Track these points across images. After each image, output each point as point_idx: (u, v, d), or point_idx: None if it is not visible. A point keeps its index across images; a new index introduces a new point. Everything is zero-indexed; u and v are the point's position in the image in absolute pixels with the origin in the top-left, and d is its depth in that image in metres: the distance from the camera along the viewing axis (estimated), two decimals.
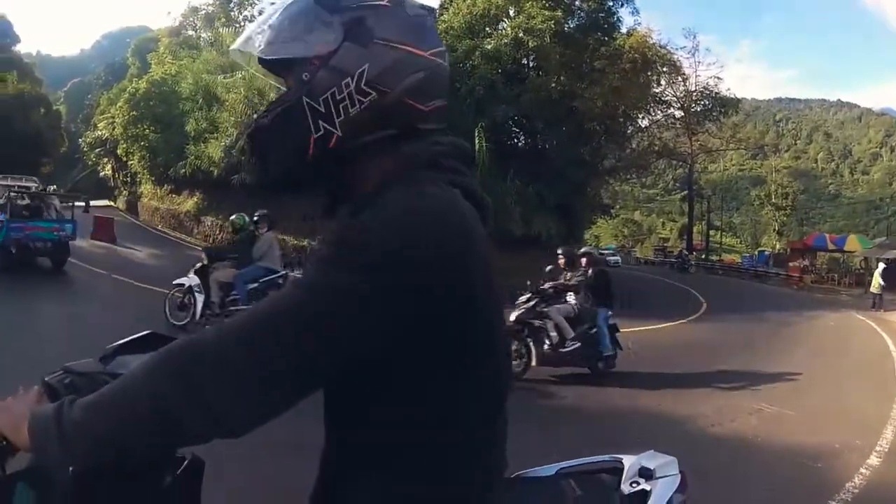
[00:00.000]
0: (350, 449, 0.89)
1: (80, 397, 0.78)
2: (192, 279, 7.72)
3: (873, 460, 4.58)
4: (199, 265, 7.90)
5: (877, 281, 20.24)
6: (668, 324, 13.63)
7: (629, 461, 1.21)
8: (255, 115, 0.95)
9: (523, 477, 1.27)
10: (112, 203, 49.42)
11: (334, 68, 0.82)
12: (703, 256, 45.31)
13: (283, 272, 7.77)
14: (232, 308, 7.40)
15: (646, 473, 1.16)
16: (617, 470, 1.20)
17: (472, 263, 0.80)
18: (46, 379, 0.96)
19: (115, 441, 0.74)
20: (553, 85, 19.54)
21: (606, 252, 47.94)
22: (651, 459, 1.21)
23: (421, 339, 0.78)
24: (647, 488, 1.12)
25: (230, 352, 0.72)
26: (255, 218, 8.16)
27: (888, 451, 4.80)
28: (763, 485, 4.06)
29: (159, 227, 30.47)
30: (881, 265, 22.10)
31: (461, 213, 0.80)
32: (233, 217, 8.56)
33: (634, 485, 1.14)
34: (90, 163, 56.28)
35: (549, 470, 1.28)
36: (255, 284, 7.45)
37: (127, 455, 0.76)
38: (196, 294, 7.61)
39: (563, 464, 1.29)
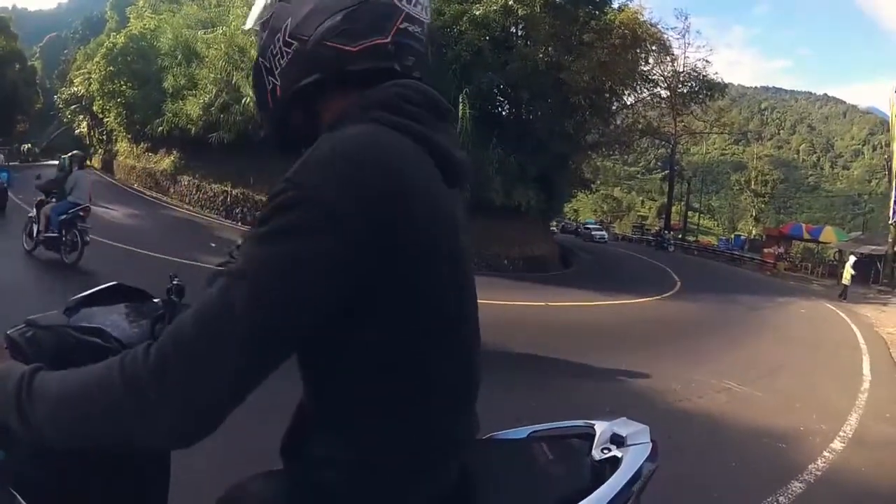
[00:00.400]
0: (322, 401, 0.88)
1: (42, 368, 0.77)
2: (33, 212, 8.92)
3: (837, 445, 4.66)
4: (39, 199, 9.00)
5: (848, 272, 20.97)
6: (642, 299, 13.79)
7: (601, 427, 1.20)
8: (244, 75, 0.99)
9: (494, 438, 1.26)
10: (88, 162, 48.15)
11: (272, 28, 0.90)
12: (680, 236, 45.81)
13: (84, 204, 8.78)
14: (46, 235, 8.44)
15: (617, 440, 1.15)
16: (588, 436, 1.19)
17: (409, 212, 0.76)
18: (9, 332, 0.94)
19: (70, 437, 0.74)
20: (540, 55, 19.26)
21: (592, 227, 48.18)
22: (623, 426, 1.20)
23: (367, 295, 0.75)
24: (619, 455, 1.11)
25: (180, 366, 0.69)
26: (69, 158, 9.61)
27: (852, 438, 4.88)
28: (728, 460, 4.11)
29: (135, 187, 29.87)
30: (852, 257, 23.03)
31: (393, 156, 0.77)
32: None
33: (605, 451, 1.13)
34: (65, 120, 54.90)
35: (520, 433, 1.27)
36: (66, 216, 8.44)
37: (82, 447, 0.76)
38: (33, 224, 8.85)
39: (535, 427, 1.29)
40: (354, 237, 0.71)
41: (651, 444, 1.16)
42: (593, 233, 44.56)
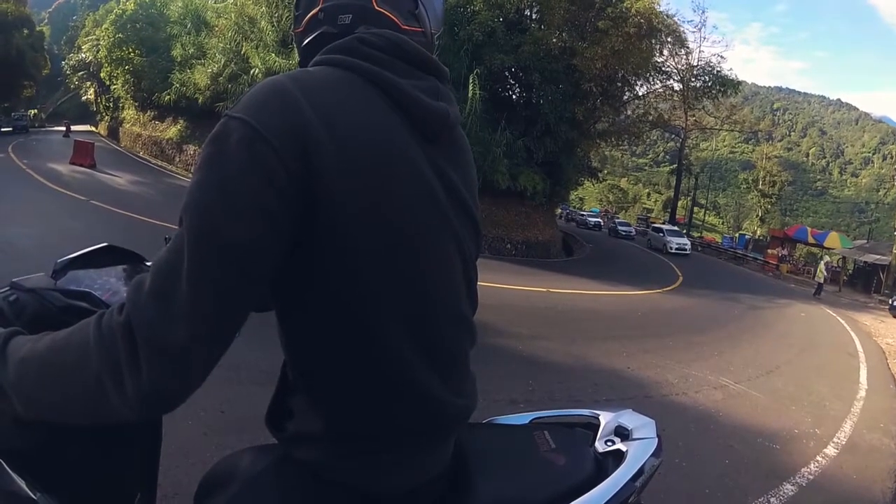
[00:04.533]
0: (296, 370, 0.87)
1: (21, 332, 0.76)
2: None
3: (830, 450, 4.63)
4: None
5: (821, 272, 21.99)
6: (643, 291, 13.83)
7: (606, 418, 1.17)
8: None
9: (495, 422, 1.24)
10: (94, 128, 48.35)
11: None
12: (685, 231, 45.53)
13: None
14: None
15: (622, 433, 1.13)
16: (592, 426, 1.17)
17: (322, 144, 0.73)
18: None
19: (46, 409, 0.72)
20: (554, 40, 19.06)
21: (668, 229, 33.81)
22: (629, 419, 1.17)
23: (299, 237, 0.74)
24: (623, 449, 1.07)
25: (153, 317, 0.66)
26: None
27: (845, 444, 4.84)
28: (721, 457, 4.08)
29: (140, 154, 29.95)
30: (826, 258, 24.62)
31: (329, 95, 0.77)
32: None
33: (609, 443, 1.10)
34: (73, 86, 55.10)
35: (523, 418, 1.25)
36: None
37: (60, 421, 0.73)
38: None
39: (538, 413, 1.27)
40: (269, 165, 0.69)
41: (657, 440, 1.12)
42: (668, 238, 30.48)
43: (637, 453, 1.06)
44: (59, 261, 1.01)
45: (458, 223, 0.89)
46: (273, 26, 19.73)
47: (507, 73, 19.89)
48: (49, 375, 0.69)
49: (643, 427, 1.14)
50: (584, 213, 55.10)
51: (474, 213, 0.95)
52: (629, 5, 19.90)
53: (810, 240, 37.68)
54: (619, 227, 41.48)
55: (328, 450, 0.84)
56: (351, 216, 0.74)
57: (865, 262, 31.12)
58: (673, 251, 29.07)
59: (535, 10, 20.34)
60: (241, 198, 0.68)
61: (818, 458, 4.40)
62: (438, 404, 0.86)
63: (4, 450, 0.81)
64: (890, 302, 20.55)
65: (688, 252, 29.78)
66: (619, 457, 1.05)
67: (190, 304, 0.65)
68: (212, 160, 0.69)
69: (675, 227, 37.41)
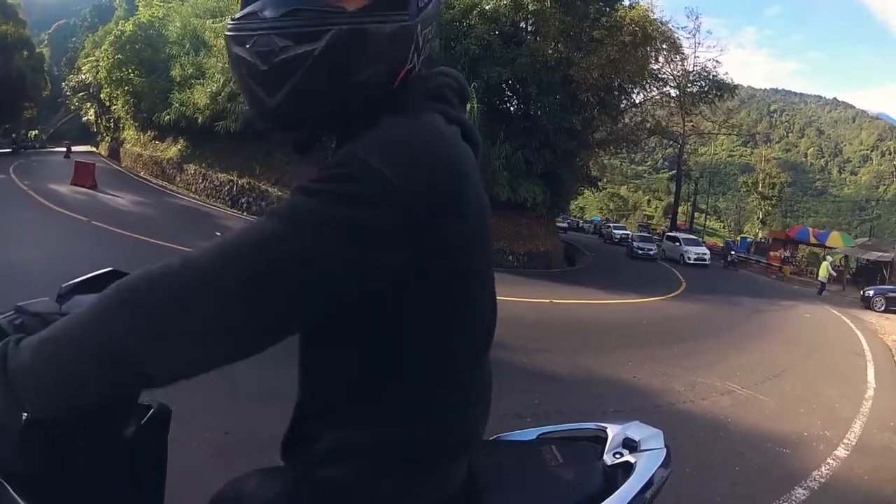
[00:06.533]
0: (324, 396, 0.86)
1: (27, 335, 0.72)
2: None
3: (841, 452, 4.63)
4: None
5: (825, 270, 22.17)
6: (647, 299, 13.80)
7: (613, 430, 1.17)
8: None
9: (502, 439, 1.24)
10: (94, 149, 48.59)
11: None
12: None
13: None
14: None
15: (630, 445, 1.12)
16: (600, 439, 1.16)
17: (468, 209, 0.76)
18: None
19: (63, 386, 0.68)
20: (550, 51, 19.19)
21: (685, 237, 31.67)
22: (636, 430, 1.17)
23: (406, 281, 0.74)
24: (631, 460, 1.07)
25: (192, 287, 0.65)
26: None
27: (855, 445, 4.84)
28: (731, 464, 4.08)
29: (141, 174, 30.06)
30: (829, 257, 24.97)
31: (461, 152, 0.79)
32: None
33: (618, 455, 1.10)
34: (73, 107, 55.46)
35: (530, 434, 1.25)
36: None
37: (77, 402, 0.69)
38: None
39: (545, 428, 1.27)
40: (410, 221, 0.69)
41: (665, 450, 1.12)
42: (685, 247, 28.16)
43: (646, 465, 1.06)
44: (63, 285, 1.00)
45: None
46: None
47: (504, 86, 19.94)
48: (67, 349, 0.67)
49: (651, 438, 1.15)
50: (612, 224, 53.50)
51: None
52: (623, 14, 20.06)
53: (812, 240, 37.69)
54: (637, 246, 30.04)
55: (344, 472, 0.83)
56: (451, 272, 0.77)
57: (868, 260, 31.08)
58: (691, 262, 26.83)
59: (530, 22, 20.46)
60: (355, 243, 0.67)
61: (829, 460, 4.40)
62: (458, 424, 0.88)
63: (9, 473, 0.80)
64: (861, 293, 20.48)
65: (707, 262, 27.60)
66: (627, 469, 1.05)
67: (244, 310, 0.65)
68: (340, 196, 0.68)
69: (692, 235, 34.75)
